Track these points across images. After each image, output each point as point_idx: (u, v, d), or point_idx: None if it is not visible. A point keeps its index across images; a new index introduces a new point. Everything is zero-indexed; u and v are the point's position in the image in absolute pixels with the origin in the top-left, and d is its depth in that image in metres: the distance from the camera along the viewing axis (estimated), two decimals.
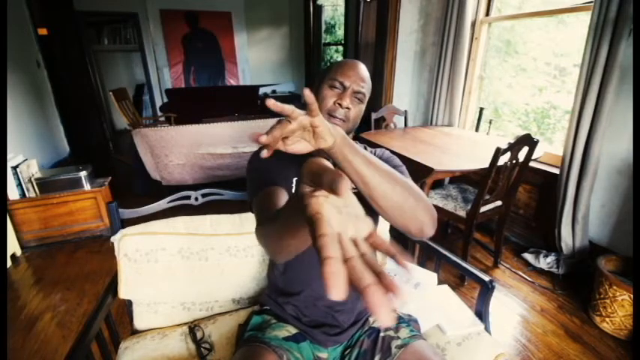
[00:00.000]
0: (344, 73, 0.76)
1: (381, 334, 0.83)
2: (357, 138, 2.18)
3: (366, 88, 0.78)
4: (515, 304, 1.76)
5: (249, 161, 0.86)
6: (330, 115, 0.75)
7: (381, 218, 0.90)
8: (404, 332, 0.83)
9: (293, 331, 0.84)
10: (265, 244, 0.61)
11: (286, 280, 0.87)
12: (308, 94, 0.44)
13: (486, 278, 0.99)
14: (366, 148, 0.89)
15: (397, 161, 0.85)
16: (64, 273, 2.04)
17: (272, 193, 0.70)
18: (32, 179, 2.23)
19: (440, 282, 1.21)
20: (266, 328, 0.84)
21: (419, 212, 0.60)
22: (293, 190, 0.83)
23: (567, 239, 1.92)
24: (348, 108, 0.75)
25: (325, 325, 0.84)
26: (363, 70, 0.78)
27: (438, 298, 1.14)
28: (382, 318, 0.24)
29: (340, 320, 0.84)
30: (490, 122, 2.66)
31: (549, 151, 2.17)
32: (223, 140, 2.77)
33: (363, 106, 0.79)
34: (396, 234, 1.31)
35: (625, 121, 1.70)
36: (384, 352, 0.80)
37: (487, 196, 1.75)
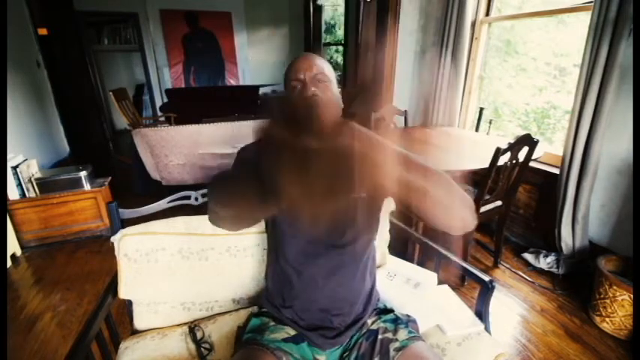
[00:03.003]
0: (293, 72, 0.76)
1: (379, 337, 0.82)
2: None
3: (323, 69, 0.76)
4: (515, 304, 1.76)
5: (238, 152, 0.84)
6: None
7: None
8: (402, 334, 0.82)
9: (292, 332, 0.84)
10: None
11: (283, 284, 0.87)
12: None
13: (486, 278, 0.99)
14: None
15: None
16: (64, 273, 2.04)
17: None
18: (32, 179, 2.23)
19: (440, 282, 1.21)
20: (265, 331, 0.83)
21: (463, 210, 0.57)
22: None
23: (567, 239, 1.92)
24: (315, 95, 0.74)
25: (322, 327, 0.83)
26: (309, 57, 0.77)
27: (438, 298, 1.14)
28: None
29: (336, 323, 0.83)
30: (490, 122, 2.66)
31: (549, 151, 2.17)
32: (223, 140, 2.76)
33: (331, 85, 0.78)
34: (396, 234, 1.31)
35: (625, 121, 1.70)
36: (382, 354, 0.79)
37: (487, 196, 1.75)
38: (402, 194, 0.50)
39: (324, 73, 0.76)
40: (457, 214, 0.57)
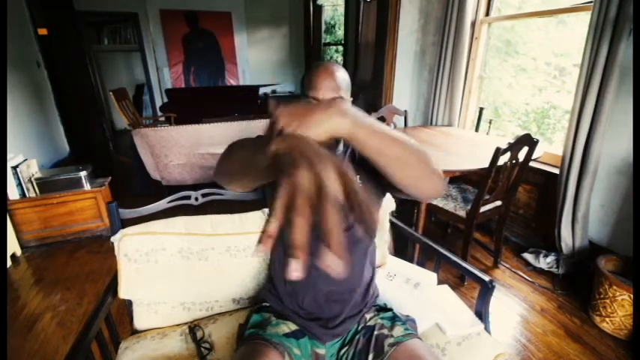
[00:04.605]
0: (313, 87, 0.75)
1: (375, 333, 0.84)
2: None
3: (342, 90, 0.76)
4: (515, 304, 1.76)
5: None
6: None
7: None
8: (398, 331, 0.84)
9: (293, 327, 0.85)
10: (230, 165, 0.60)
11: (284, 271, 0.87)
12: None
13: (486, 278, 0.99)
14: None
15: None
16: (64, 273, 2.04)
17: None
18: (32, 179, 2.23)
19: (440, 282, 1.21)
20: (266, 326, 0.85)
21: (433, 180, 0.59)
22: None
23: (567, 239, 1.92)
24: None
25: (322, 318, 0.85)
26: (331, 74, 0.75)
27: (438, 298, 1.14)
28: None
29: (336, 310, 0.85)
30: (490, 122, 2.66)
31: (549, 151, 2.17)
32: (223, 140, 2.76)
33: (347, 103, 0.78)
34: (397, 233, 1.31)
35: (625, 121, 1.70)
36: (377, 350, 0.80)
37: (487, 196, 1.75)
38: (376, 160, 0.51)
39: (340, 96, 0.75)
40: (427, 182, 0.59)
